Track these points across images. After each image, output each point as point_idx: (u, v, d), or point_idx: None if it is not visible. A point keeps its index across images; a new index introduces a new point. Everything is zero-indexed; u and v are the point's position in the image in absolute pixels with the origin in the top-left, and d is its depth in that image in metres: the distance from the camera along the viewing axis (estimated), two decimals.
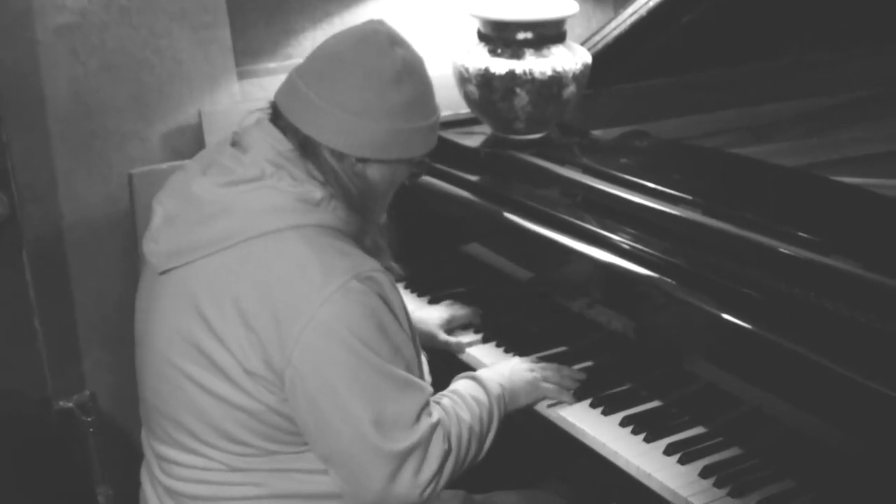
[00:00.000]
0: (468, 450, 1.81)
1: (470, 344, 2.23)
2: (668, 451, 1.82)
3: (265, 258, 1.69)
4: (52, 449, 2.56)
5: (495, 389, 1.90)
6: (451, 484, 1.90)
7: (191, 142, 2.80)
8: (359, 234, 1.80)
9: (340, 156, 1.76)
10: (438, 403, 1.82)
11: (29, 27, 2.57)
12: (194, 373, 1.73)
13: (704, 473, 1.75)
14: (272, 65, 2.90)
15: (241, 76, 2.86)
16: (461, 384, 1.92)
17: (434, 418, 1.75)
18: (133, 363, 1.91)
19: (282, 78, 2.84)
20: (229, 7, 2.80)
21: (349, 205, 1.77)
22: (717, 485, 1.73)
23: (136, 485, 1.99)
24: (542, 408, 1.99)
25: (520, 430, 2.04)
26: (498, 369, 1.99)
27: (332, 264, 1.68)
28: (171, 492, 1.84)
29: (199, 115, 2.79)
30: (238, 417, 1.72)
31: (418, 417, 1.72)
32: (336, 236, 1.74)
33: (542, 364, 2.04)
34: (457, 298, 2.37)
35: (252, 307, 1.67)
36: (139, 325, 1.87)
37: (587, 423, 1.93)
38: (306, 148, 1.76)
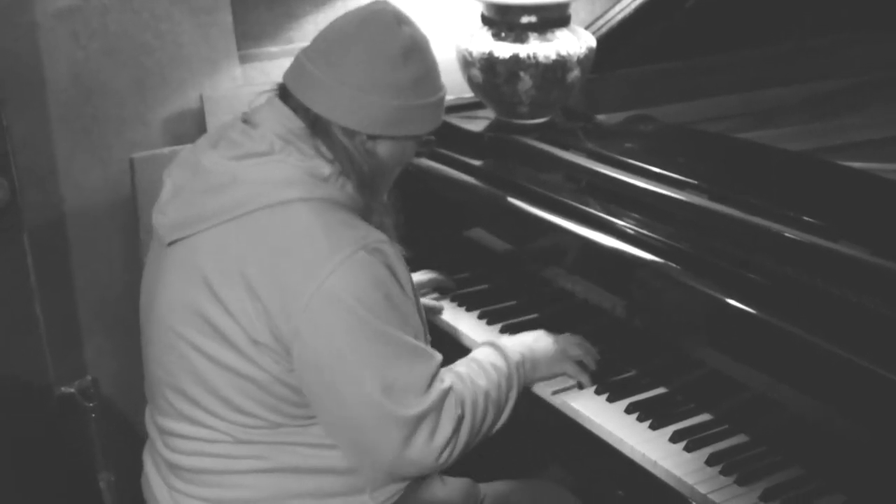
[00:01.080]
0: (485, 416, 1.82)
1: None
2: (675, 438, 1.81)
3: (273, 228, 1.70)
4: (54, 435, 2.56)
5: (515, 357, 1.91)
6: (456, 472, 1.89)
7: (192, 126, 2.78)
8: (366, 212, 1.81)
9: (352, 133, 1.78)
10: (453, 370, 1.83)
11: (29, 10, 2.55)
12: (200, 342, 1.74)
13: (711, 461, 1.75)
14: (274, 48, 2.88)
15: (243, 60, 2.84)
16: (480, 351, 1.93)
17: (446, 384, 1.76)
18: (134, 348, 1.91)
19: (284, 62, 2.82)
20: None
21: (358, 182, 1.78)
22: (723, 472, 1.72)
23: (138, 470, 1.99)
24: (546, 394, 1.98)
25: (525, 417, 2.03)
26: (521, 338, 2.00)
27: (340, 235, 1.69)
28: (173, 466, 1.84)
29: (201, 100, 2.77)
30: (243, 387, 1.73)
31: (430, 383, 1.73)
32: (344, 210, 1.75)
33: (566, 335, 2.04)
34: (459, 284, 2.36)
35: (259, 277, 1.68)
36: (145, 297, 1.89)
37: (592, 409, 1.92)
38: (317, 126, 1.78)
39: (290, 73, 1.84)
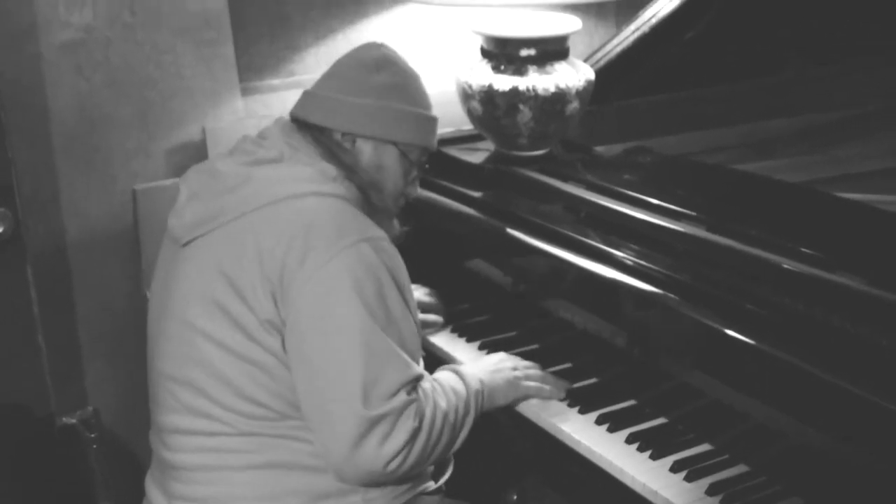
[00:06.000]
0: (440, 436, 1.85)
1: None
2: (675, 468, 1.81)
3: (285, 215, 1.81)
4: (55, 465, 2.56)
5: (474, 384, 1.95)
6: (458, 496, 1.90)
7: (195, 158, 2.79)
8: (371, 213, 1.91)
9: (322, 130, 1.94)
10: (418, 386, 1.86)
11: (33, 43, 2.57)
12: (210, 328, 1.82)
13: (711, 491, 1.75)
14: (276, 81, 2.90)
15: (245, 92, 2.86)
16: (442, 374, 1.97)
17: (411, 396, 1.81)
18: (136, 377, 1.92)
19: (286, 94, 2.87)
20: (233, 23, 2.80)
21: (353, 181, 1.90)
22: (724, 502, 1.72)
23: (140, 501, 1.99)
24: (546, 424, 1.99)
25: (524, 445, 2.04)
26: (481, 365, 2.05)
27: (346, 225, 1.81)
28: (169, 467, 1.88)
29: (203, 132, 2.79)
30: (250, 371, 1.80)
31: (396, 392, 1.78)
32: (351, 207, 1.86)
33: (528, 363, 2.08)
34: (460, 315, 2.37)
35: (268, 257, 1.78)
36: (156, 297, 1.96)
37: (593, 439, 1.92)
38: (300, 127, 1.97)
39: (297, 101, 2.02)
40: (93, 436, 2.64)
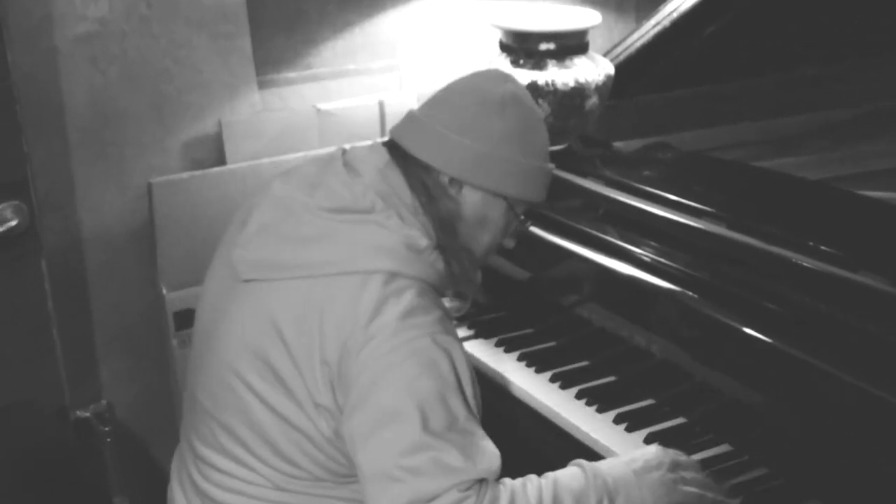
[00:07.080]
0: None
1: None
2: None
3: (354, 296, 1.66)
4: (70, 459, 2.56)
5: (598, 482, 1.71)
6: None
7: (211, 151, 2.79)
8: (453, 279, 1.79)
9: (428, 169, 1.76)
10: (485, 482, 1.67)
11: (48, 35, 2.57)
12: (260, 387, 1.71)
13: (731, 493, 1.74)
14: (292, 74, 2.89)
15: (262, 86, 2.85)
16: (568, 467, 1.76)
17: (465, 493, 1.63)
18: (150, 373, 1.90)
19: (302, 87, 2.83)
20: (250, 16, 2.79)
21: (436, 225, 1.75)
22: None
23: (153, 494, 1.99)
24: (564, 423, 1.98)
25: (538, 444, 2.02)
26: (628, 459, 1.77)
27: (414, 318, 1.65)
28: (203, 494, 1.82)
29: (220, 125, 2.78)
30: (296, 439, 1.71)
31: (445, 492, 1.62)
32: (427, 294, 1.71)
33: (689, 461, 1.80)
34: (476, 311, 2.36)
35: (331, 340, 1.65)
36: (204, 324, 1.85)
37: (611, 439, 1.91)
38: (400, 159, 1.78)
39: (399, 123, 1.84)
40: (107, 429, 2.65)
